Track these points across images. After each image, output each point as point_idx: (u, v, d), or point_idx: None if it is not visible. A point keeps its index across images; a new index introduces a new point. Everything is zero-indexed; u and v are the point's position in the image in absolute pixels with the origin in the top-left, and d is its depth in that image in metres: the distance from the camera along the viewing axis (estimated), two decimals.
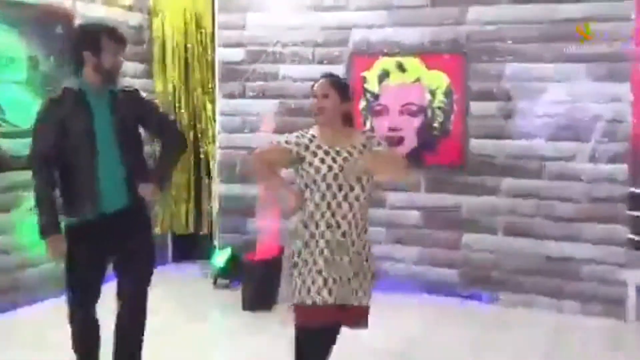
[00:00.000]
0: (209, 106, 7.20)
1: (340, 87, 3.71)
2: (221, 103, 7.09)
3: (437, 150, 6.30)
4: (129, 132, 3.95)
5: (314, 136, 3.67)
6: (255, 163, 3.76)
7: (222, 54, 7.07)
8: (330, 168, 3.56)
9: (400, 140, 6.38)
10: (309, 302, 3.54)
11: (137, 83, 6.26)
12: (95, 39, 3.80)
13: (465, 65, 6.12)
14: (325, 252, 3.55)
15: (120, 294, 4.01)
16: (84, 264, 3.87)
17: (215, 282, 6.68)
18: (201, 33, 7.21)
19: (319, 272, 3.55)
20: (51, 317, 5.26)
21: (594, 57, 5.77)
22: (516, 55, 6.00)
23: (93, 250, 3.86)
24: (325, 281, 3.55)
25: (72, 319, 3.98)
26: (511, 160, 6.10)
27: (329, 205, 3.55)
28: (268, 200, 6.08)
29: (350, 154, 3.62)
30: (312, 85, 3.72)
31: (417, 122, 6.36)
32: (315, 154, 3.60)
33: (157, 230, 6.98)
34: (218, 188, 7.15)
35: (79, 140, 3.79)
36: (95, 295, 3.97)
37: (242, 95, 7.00)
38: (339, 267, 3.56)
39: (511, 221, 6.15)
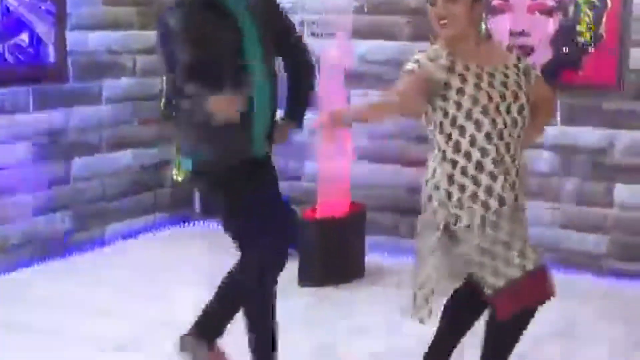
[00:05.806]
0: None
1: None
2: None
3: (581, 65, 5.57)
4: None
5: (449, 54, 3.47)
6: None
7: None
8: (490, 97, 3.41)
9: (528, 51, 5.63)
10: None
11: None
12: None
13: None
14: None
15: None
16: None
17: None
18: None
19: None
20: None
21: None
22: None
23: None
24: None
25: None
26: None
27: (497, 149, 3.42)
28: (333, 134, 4.96)
29: (506, 76, 3.47)
30: None
31: (552, 23, 5.65)
32: (464, 79, 3.43)
33: (176, 178, 6.11)
34: None
35: None
36: None
37: None
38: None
39: None
